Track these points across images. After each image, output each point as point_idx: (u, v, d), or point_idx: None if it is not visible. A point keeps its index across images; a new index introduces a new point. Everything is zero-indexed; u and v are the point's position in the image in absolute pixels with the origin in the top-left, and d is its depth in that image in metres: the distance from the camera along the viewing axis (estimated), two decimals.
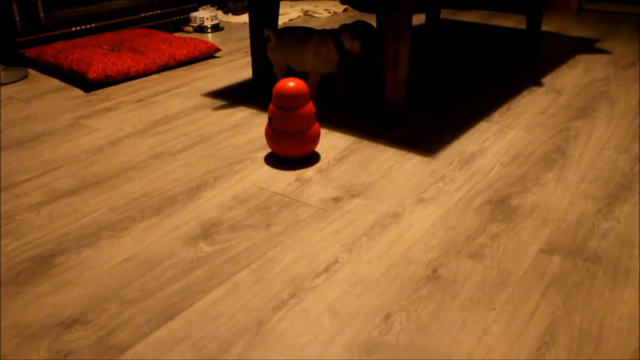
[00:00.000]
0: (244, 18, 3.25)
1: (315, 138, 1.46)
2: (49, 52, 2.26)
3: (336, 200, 1.29)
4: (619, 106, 1.85)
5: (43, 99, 1.97)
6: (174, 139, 1.63)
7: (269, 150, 1.54)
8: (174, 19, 3.00)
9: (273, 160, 1.49)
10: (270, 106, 1.44)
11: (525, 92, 1.99)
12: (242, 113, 1.81)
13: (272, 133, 1.45)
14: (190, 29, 2.95)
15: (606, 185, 1.35)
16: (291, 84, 1.41)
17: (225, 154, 1.53)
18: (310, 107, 1.43)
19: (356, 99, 1.94)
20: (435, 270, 1.05)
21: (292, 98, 1.40)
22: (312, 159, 1.49)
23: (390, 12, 1.55)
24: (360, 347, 0.87)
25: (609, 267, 1.05)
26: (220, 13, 3.36)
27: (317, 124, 1.47)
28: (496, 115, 1.78)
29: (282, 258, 1.09)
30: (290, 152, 1.46)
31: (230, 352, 0.86)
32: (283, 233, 1.17)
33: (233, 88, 2.06)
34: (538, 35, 2.70)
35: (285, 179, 1.39)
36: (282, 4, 3.52)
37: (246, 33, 2.92)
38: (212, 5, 3.47)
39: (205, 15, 2.95)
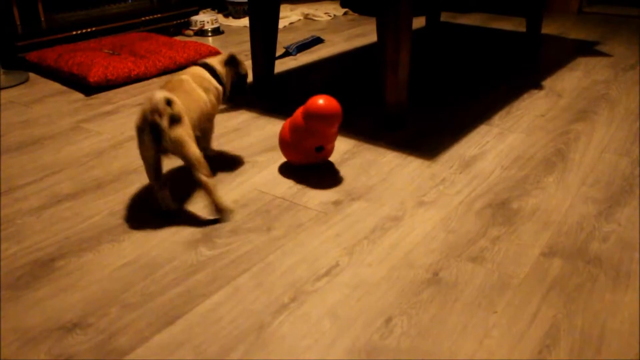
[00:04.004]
0: (244, 22, 3.25)
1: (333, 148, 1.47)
2: (50, 55, 2.26)
3: (337, 203, 1.29)
4: (619, 109, 1.85)
5: (43, 103, 1.97)
6: None
7: (270, 153, 1.54)
8: (175, 22, 3.01)
9: (274, 163, 1.49)
10: (315, 125, 1.34)
11: (525, 95, 1.99)
12: (242, 116, 1.82)
13: (296, 145, 1.39)
14: (191, 32, 2.96)
15: (607, 188, 1.35)
16: (332, 102, 1.35)
17: (226, 157, 1.53)
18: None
19: (357, 101, 1.94)
20: (436, 274, 1.04)
21: (336, 117, 1.36)
22: None
23: (390, 15, 1.55)
24: (361, 351, 0.87)
25: (610, 270, 1.05)
26: (220, 17, 3.37)
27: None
28: (496, 118, 1.78)
29: (282, 262, 1.09)
30: (311, 162, 1.44)
31: (231, 356, 0.86)
32: (284, 236, 1.17)
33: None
34: (538, 38, 2.71)
35: (285, 182, 1.39)
36: (282, 7, 3.52)
37: (246, 36, 2.92)
38: (213, 9, 3.48)
39: (205, 18, 2.96)
